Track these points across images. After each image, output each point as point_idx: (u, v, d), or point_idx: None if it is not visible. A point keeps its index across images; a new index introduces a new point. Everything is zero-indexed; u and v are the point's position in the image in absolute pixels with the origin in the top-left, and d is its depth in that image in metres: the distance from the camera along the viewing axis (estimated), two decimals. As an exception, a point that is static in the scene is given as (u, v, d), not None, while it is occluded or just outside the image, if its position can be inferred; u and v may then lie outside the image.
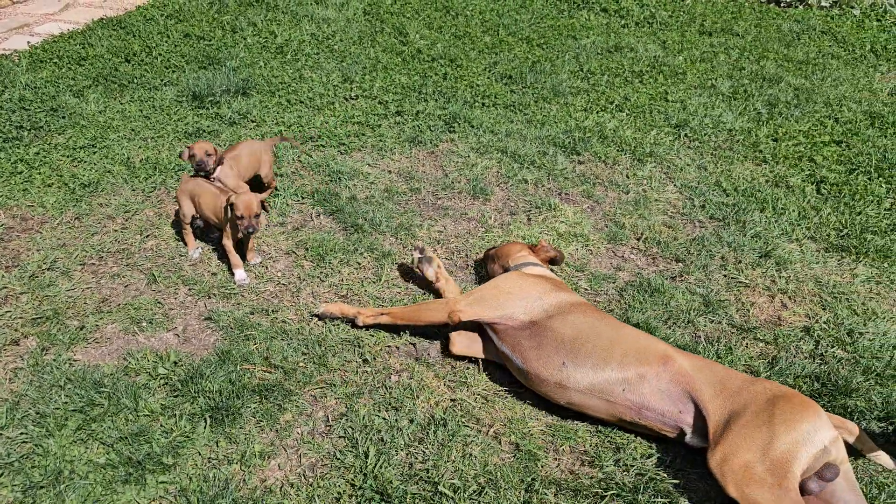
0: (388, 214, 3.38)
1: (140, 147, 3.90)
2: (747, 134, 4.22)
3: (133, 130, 4.07)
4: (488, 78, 4.94)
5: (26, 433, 2.18)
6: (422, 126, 4.23)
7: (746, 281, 2.98)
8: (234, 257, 2.87)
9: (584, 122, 4.30)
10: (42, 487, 2.02)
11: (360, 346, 2.59)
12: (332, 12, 6.11)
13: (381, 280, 2.95)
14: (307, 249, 3.11)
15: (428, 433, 2.24)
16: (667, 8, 6.56)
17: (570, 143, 4.05)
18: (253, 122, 4.24)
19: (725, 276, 3.02)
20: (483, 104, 4.56)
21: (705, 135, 4.20)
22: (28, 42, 5.39)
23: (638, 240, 3.26)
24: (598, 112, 4.47)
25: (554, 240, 3.23)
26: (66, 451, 2.12)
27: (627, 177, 3.78)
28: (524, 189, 3.65)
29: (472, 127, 4.24)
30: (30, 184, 3.52)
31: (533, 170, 3.81)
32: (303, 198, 3.51)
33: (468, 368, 2.51)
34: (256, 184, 3.43)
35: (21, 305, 2.73)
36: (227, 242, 2.86)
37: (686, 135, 4.21)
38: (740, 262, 3.10)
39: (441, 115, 4.35)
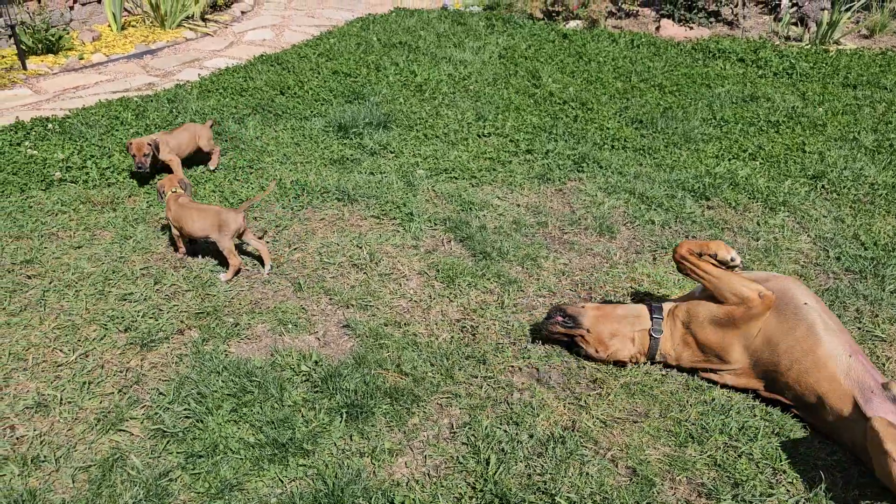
0: (516, 245, 3.54)
1: (290, 170, 4.28)
2: (891, 189, 4.10)
3: (285, 155, 4.48)
4: (618, 122, 5.06)
5: (189, 409, 2.47)
6: (551, 164, 4.40)
7: (883, 336, 2.91)
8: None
9: (715, 169, 4.32)
10: (201, 457, 2.29)
11: (484, 363, 2.74)
12: (469, 55, 6.44)
13: (504, 305, 3.10)
14: (438, 271, 3.32)
15: (547, 448, 2.35)
16: (808, 59, 6.45)
17: (699, 188, 4.09)
18: (392, 153, 4.56)
19: (860, 328, 2.97)
20: (612, 146, 4.68)
21: (844, 187, 4.12)
22: (198, 74, 6.03)
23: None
24: (729, 159, 4.48)
25: (679, 281, 3.28)
26: (222, 429, 2.39)
27: (758, 224, 3.77)
28: (651, 230, 3.72)
29: (601, 167, 4.37)
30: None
31: (660, 212, 3.88)
32: (435, 224, 3.74)
33: (589, 395, 2.61)
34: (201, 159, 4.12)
35: (186, 301, 3.08)
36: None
37: (823, 186, 4.14)
38: (877, 315, 3.04)
39: (570, 155, 4.50)
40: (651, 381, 2.66)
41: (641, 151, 4.60)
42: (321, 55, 6.39)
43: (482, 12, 7.90)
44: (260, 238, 3.48)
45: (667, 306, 2.74)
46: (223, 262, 3.34)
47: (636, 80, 5.93)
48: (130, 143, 3.93)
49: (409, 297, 3.15)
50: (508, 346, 2.85)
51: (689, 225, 3.76)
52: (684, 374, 2.70)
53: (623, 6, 7.70)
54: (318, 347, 2.84)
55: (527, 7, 7.74)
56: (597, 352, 2.71)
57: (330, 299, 3.13)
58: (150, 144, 3.93)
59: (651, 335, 2.68)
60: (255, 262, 3.38)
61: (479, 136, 4.84)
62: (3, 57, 6.35)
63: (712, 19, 7.41)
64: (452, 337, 2.89)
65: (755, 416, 2.51)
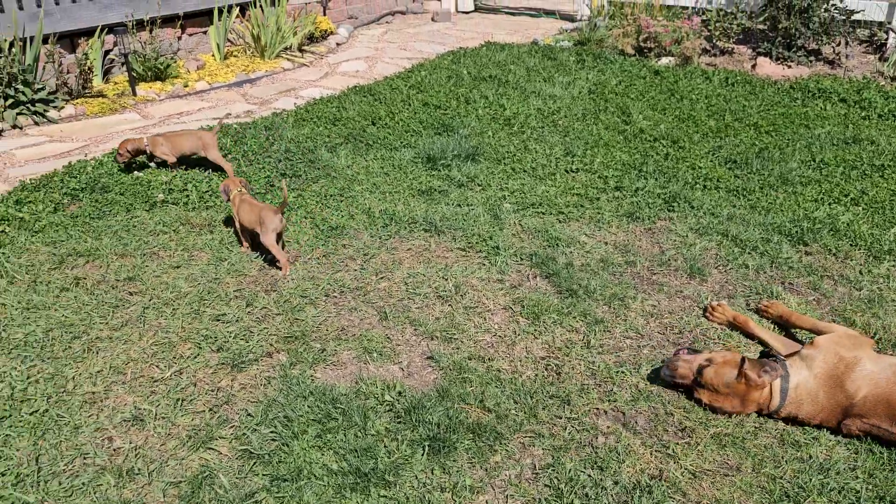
0: (603, 283, 3.49)
1: (379, 199, 4.36)
2: None
3: (374, 185, 4.57)
4: (711, 161, 4.94)
5: (276, 432, 2.52)
6: (640, 203, 4.33)
7: None
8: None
9: (815, 213, 4.15)
10: (286, 481, 2.33)
11: (569, 404, 2.70)
12: (559, 90, 6.44)
13: (590, 345, 3.05)
14: (523, 307, 3.30)
15: (632, 497, 2.28)
16: (917, 101, 6.15)
17: (797, 232, 3.94)
18: (479, 185, 4.58)
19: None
20: (704, 186, 4.56)
21: (957, 237, 3.88)
22: (294, 103, 6.25)
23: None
24: (830, 204, 4.30)
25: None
26: (307, 454, 2.43)
27: (861, 273, 3.59)
28: (744, 273, 3.60)
29: (692, 208, 4.26)
30: (288, 222, 4.06)
31: (755, 255, 3.75)
32: (521, 259, 3.72)
33: (677, 443, 2.52)
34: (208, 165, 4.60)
35: (276, 324, 3.16)
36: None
37: (934, 235, 3.92)
38: None
39: (660, 194, 4.42)
40: (743, 433, 2.56)
41: (735, 192, 4.47)
42: (412, 87, 6.52)
43: (572, 47, 7.91)
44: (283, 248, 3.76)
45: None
46: (314, 290, 3.42)
47: (730, 118, 5.79)
48: (121, 143, 4.56)
49: (494, 331, 3.14)
50: (594, 388, 2.79)
51: (785, 271, 3.62)
52: (779, 427, 2.58)
53: (717, 43, 7.56)
54: (402, 378, 2.86)
55: (618, 43, 7.70)
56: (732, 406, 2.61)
57: (415, 330, 3.15)
58: (129, 149, 4.53)
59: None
60: (345, 289, 3.45)
61: (567, 171, 4.81)
62: (116, 83, 6.76)
63: (812, 58, 7.18)
64: (537, 375, 2.86)
65: (857, 477, 2.37)
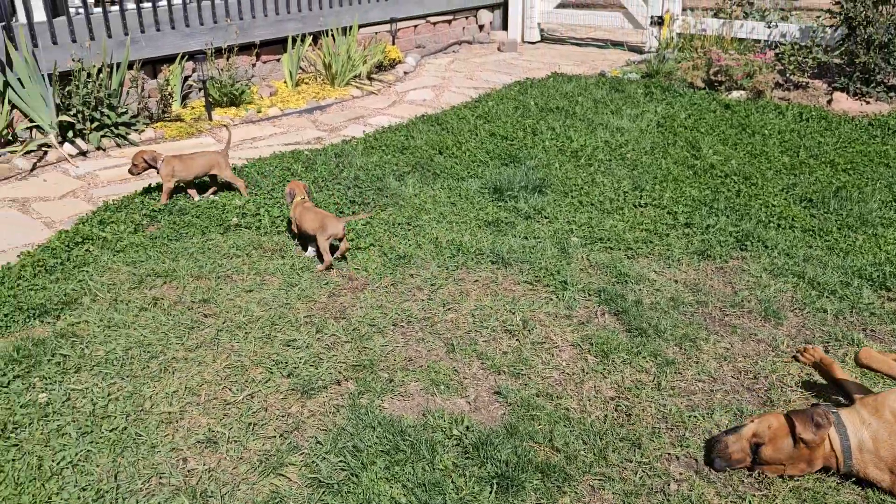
0: (673, 323, 3.43)
1: (446, 229, 4.39)
2: None
3: (441, 214, 4.60)
4: (785, 199, 4.82)
5: (344, 462, 2.54)
6: (711, 240, 4.24)
7: None
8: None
9: (898, 257, 4.00)
10: (354, 512, 2.34)
11: (639, 447, 2.64)
12: (627, 122, 6.40)
13: (660, 387, 2.99)
14: (592, 344, 3.27)
15: (707, 550, 2.21)
16: None
17: (878, 276, 3.80)
18: (546, 218, 4.57)
19: None
20: (779, 225, 4.45)
21: None
22: (363, 131, 6.38)
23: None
24: (914, 247, 4.14)
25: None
26: (375, 486, 2.44)
27: (949, 322, 3.44)
28: (822, 318, 3.48)
29: (766, 247, 4.16)
30: (357, 249, 4.13)
31: (833, 300, 3.63)
32: (589, 294, 3.69)
33: (754, 495, 2.44)
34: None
35: (344, 352, 3.20)
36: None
37: None
38: None
39: (732, 232, 4.33)
40: (825, 488, 2.46)
41: (811, 233, 4.34)
42: (479, 117, 6.58)
43: (640, 80, 7.86)
44: (345, 253, 4.00)
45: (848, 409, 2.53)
46: (382, 319, 3.45)
47: (805, 155, 5.65)
48: (136, 153, 4.67)
49: (562, 368, 3.11)
50: (665, 432, 2.73)
51: (866, 317, 3.49)
52: (863, 485, 2.47)
53: (791, 77, 7.40)
54: (469, 412, 2.85)
55: (687, 76, 7.62)
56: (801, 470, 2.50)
57: (482, 363, 3.14)
58: (146, 159, 4.62)
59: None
60: (412, 319, 3.47)
61: (635, 205, 4.76)
62: (193, 108, 7.01)
63: (893, 94, 6.96)
64: (606, 416, 2.81)
65: (949, 543, 2.25)
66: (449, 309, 3.56)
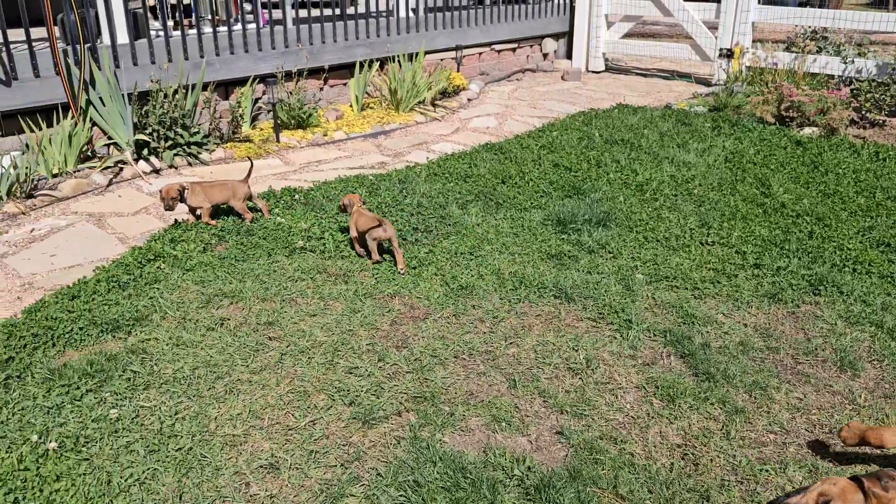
0: (743, 369, 3.32)
1: (508, 261, 4.37)
2: None
3: (504, 245, 4.59)
4: (861, 242, 4.65)
5: (405, 496, 2.53)
6: (782, 283, 4.12)
7: None
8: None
9: (984, 310, 3.81)
10: (414, 549, 2.32)
11: (707, 500, 2.56)
12: (693, 157, 6.30)
13: (729, 436, 2.89)
14: (657, 387, 3.19)
15: None
16: None
17: (963, 330, 3.62)
18: (610, 253, 4.51)
19: None
20: (854, 270, 4.29)
21: None
22: (426, 157, 6.43)
23: None
24: None
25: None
26: (435, 523, 2.41)
27: None
28: (902, 372, 3.33)
29: (841, 293, 4.01)
30: (419, 278, 4.14)
31: (914, 352, 3.47)
32: (654, 335, 3.61)
33: (829, 557, 2.32)
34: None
35: (406, 382, 3.20)
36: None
37: None
38: None
39: (805, 276, 4.19)
40: (907, 557, 2.32)
41: (890, 279, 4.17)
42: (543, 147, 6.56)
43: (707, 113, 7.74)
44: (399, 248, 4.28)
45: None
46: (444, 350, 3.44)
47: (882, 196, 5.45)
48: (161, 189, 4.63)
49: (626, 411, 3.04)
50: (735, 485, 2.64)
51: (950, 372, 3.32)
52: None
53: (868, 115, 7.18)
54: (531, 451, 2.81)
55: (756, 110, 7.47)
56: None
57: (544, 401, 3.10)
58: (178, 189, 4.63)
59: None
60: (474, 352, 3.45)
61: (701, 243, 4.66)
62: (262, 129, 7.18)
63: (975, 135, 6.70)
64: (672, 464, 2.73)
65: None
66: (511, 343, 3.53)
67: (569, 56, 10.95)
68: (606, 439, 2.86)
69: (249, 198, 4.87)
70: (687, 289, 4.08)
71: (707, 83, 9.42)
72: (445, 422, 2.95)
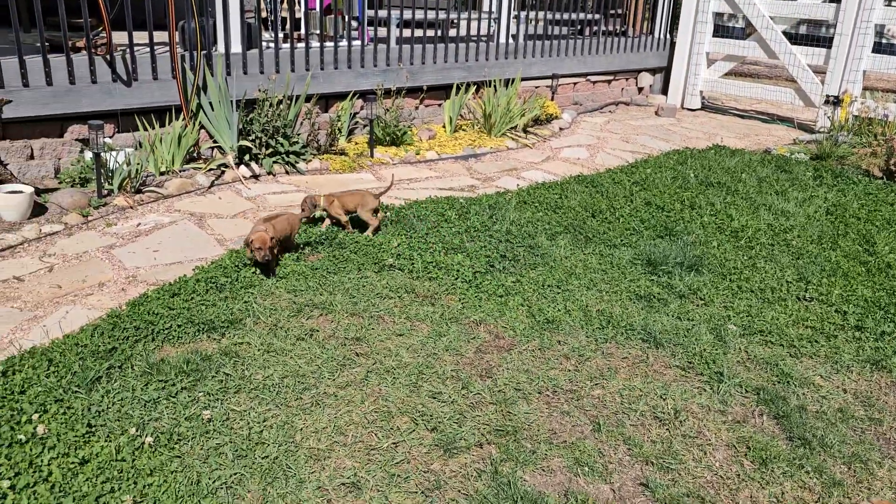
0: (841, 438, 3.15)
1: (596, 298, 4.29)
2: None
3: (591, 281, 4.51)
4: (974, 314, 4.36)
5: (485, 533, 2.49)
6: (886, 350, 3.90)
7: None
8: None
9: None
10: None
11: (800, 576, 2.42)
12: (792, 206, 6.07)
13: (824, 508, 2.74)
14: (749, 448, 3.05)
15: None
16: None
17: None
18: (701, 300, 4.37)
19: None
20: (966, 343, 4.03)
21: None
22: (516, 184, 6.41)
23: None
24: None
25: None
26: (514, 565, 2.36)
27: None
28: None
29: (951, 366, 3.77)
30: (505, 307, 4.11)
31: None
32: (747, 391, 3.47)
33: None
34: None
35: (488, 414, 3.16)
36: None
37: None
38: None
39: (912, 344, 3.96)
40: None
41: None
42: (635, 183, 6.45)
43: (809, 161, 7.45)
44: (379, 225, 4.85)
45: None
46: (528, 384, 3.40)
47: None
48: (252, 240, 4.16)
49: (715, 469, 2.92)
50: (830, 563, 2.49)
51: None
52: None
53: (985, 176, 6.78)
54: (613, 500, 2.73)
55: (863, 162, 7.15)
56: None
57: (629, 449, 3.01)
58: (271, 238, 4.40)
59: None
60: (558, 389, 3.39)
61: (799, 298, 4.47)
62: (357, 143, 7.31)
63: None
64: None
65: None
66: (596, 384, 3.45)
67: (664, 91, 10.77)
68: (693, 497, 2.76)
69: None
70: (782, 345, 3.91)
71: (809, 129, 9.09)
72: (527, 459, 2.90)
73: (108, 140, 5.80)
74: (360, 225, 5.01)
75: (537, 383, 3.42)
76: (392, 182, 5.18)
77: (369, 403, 3.18)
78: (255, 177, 6.19)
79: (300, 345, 3.59)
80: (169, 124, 6.09)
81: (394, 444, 2.94)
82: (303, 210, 4.91)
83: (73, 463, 2.65)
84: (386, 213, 5.34)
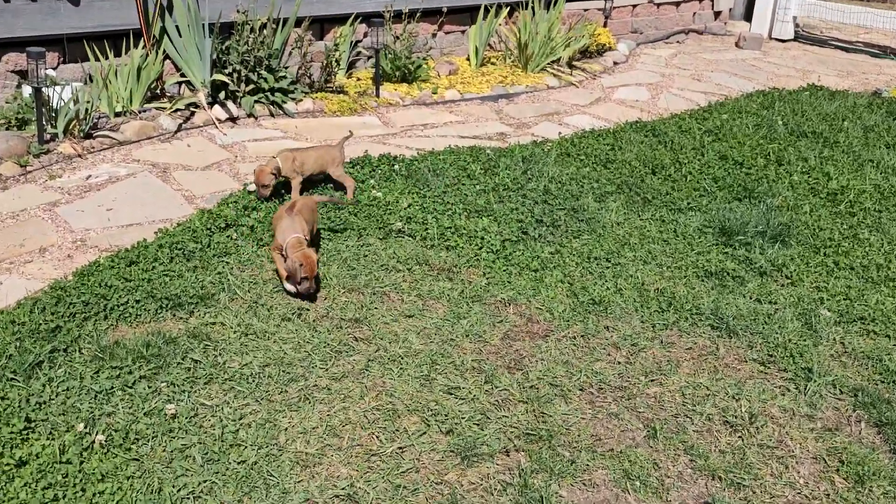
0: (959, 452, 3.13)
1: (655, 274, 4.28)
2: None
3: (650, 253, 4.49)
4: None
5: (510, 559, 2.52)
6: None
7: None
8: None
9: None
10: None
11: None
12: (907, 163, 5.99)
13: (935, 537, 2.73)
14: (841, 462, 3.05)
15: None
16: None
17: None
18: (788, 278, 4.34)
19: None
20: None
21: None
22: (558, 132, 6.37)
23: None
24: None
25: None
26: None
27: None
28: None
29: None
30: (540, 283, 4.11)
31: None
32: (841, 392, 3.45)
33: None
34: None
35: (517, 414, 3.18)
36: None
37: None
38: None
39: None
40: None
41: None
42: (707, 132, 6.39)
43: (929, 106, 7.33)
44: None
45: None
46: (567, 379, 3.41)
47: None
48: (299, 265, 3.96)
49: (799, 487, 2.92)
50: None
51: None
52: None
53: None
54: (670, 523, 2.74)
55: None
56: None
57: (691, 460, 3.02)
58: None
59: None
60: (605, 386, 3.39)
61: (911, 278, 4.43)
62: (359, 79, 7.30)
63: None
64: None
65: None
66: (653, 380, 3.45)
67: (747, 17, 10.62)
68: (770, 521, 2.76)
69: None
70: (888, 336, 3.88)
71: (931, 67, 8.94)
72: (564, 470, 2.91)
73: (51, 72, 5.83)
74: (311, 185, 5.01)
75: (579, 378, 3.42)
76: (351, 132, 5.10)
77: (370, 399, 3.20)
78: (233, 120, 6.20)
79: (286, 326, 3.62)
80: (126, 53, 6.11)
81: (399, 448, 2.97)
82: (259, 187, 4.67)
83: (7, 465, 2.70)
84: (394, 165, 5.34)
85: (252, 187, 4.86)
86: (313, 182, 4.99)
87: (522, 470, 2.90)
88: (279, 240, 3.87)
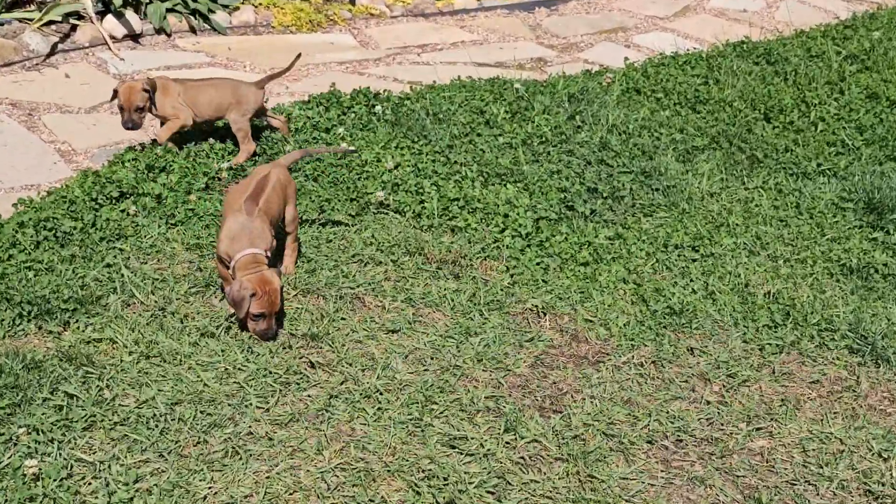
0: None
1: (765, 270, 4.28)
2: None
3: (756, 238, 4.49)
4: None
5: None
6: None
7: None
8: None
9: None
10: None
11: None
12: None
13: None
14: None
15: None
16: None
17: None
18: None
19: None
20: None
21: None
22: (623, 56, 6.37)
23: None
24: None
25: None
26: None
27: None
28: None
29: None
30: (593, 283, 4.11)
31: None
32: None
33: None
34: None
35: (553, 479, 3.18)
36: None
37: None
38: None
39: None
40: None
41: None
42: (848, 57, 6.40)
43: None
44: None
45: None
46: (628, 425, 3.41)
47: None
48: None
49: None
50: None
51: None
52: None
53: None
54: None
55: None
56: None
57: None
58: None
59: None
60: (686, 435, 3.40)
61: None
62: (326, -22, 7.30)
63: None
64: None
65: None
66: (759, 429, 3.45)
67: None
68: None
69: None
70: None
71: None
72: (623, 563, 2.92)
73: None
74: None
75: (646, 424, 3.42)
76: (294, 61, 5.06)
77: (332, 454, 3.21)
78: (135, 38, 6.22)
79: (207, 345, 3.63)
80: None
81: (377, 529, 2.98)
82: (130, 111, 4.60)
83: None
84: (373, 105, 5.34)
85: (132, 125, 4.70)
86: (204, 132, 5.03)
87: (560, 561, 2.91)
88: (225, 248, 3.69)
